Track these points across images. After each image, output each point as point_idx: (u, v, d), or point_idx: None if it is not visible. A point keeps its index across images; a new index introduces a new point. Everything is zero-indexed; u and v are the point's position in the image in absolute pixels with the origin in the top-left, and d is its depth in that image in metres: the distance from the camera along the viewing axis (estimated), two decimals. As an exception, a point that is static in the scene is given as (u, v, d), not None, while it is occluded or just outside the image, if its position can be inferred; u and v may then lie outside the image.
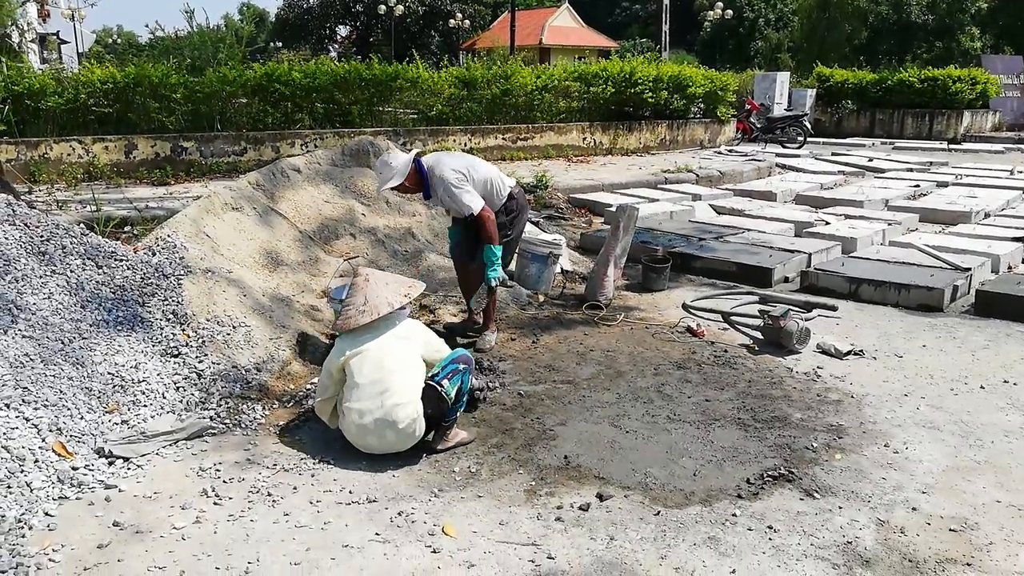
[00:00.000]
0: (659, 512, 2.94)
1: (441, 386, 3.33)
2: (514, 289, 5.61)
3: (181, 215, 4.86)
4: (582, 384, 4.18)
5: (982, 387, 4.16)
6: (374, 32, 40.10)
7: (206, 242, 4.66)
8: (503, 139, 13.22)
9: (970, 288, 5.86)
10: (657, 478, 3.20)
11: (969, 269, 6.06)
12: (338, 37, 43.75)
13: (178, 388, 3.67)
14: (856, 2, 34.67)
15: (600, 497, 3.04)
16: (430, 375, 3.39)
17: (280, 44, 41.63)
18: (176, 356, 3.82)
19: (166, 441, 3.36)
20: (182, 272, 4.23)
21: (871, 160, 14.46)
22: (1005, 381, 4.23)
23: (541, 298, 5.66)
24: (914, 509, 2.97)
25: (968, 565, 2.63)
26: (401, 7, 34.98)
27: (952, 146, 18.33)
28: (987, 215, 8.91)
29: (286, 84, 11.24)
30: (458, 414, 3.46)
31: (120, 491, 3.01)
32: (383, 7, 34.52)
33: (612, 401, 3.96)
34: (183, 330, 3.95)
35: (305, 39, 41.93)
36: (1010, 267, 6.62)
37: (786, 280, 6.35)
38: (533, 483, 3.16)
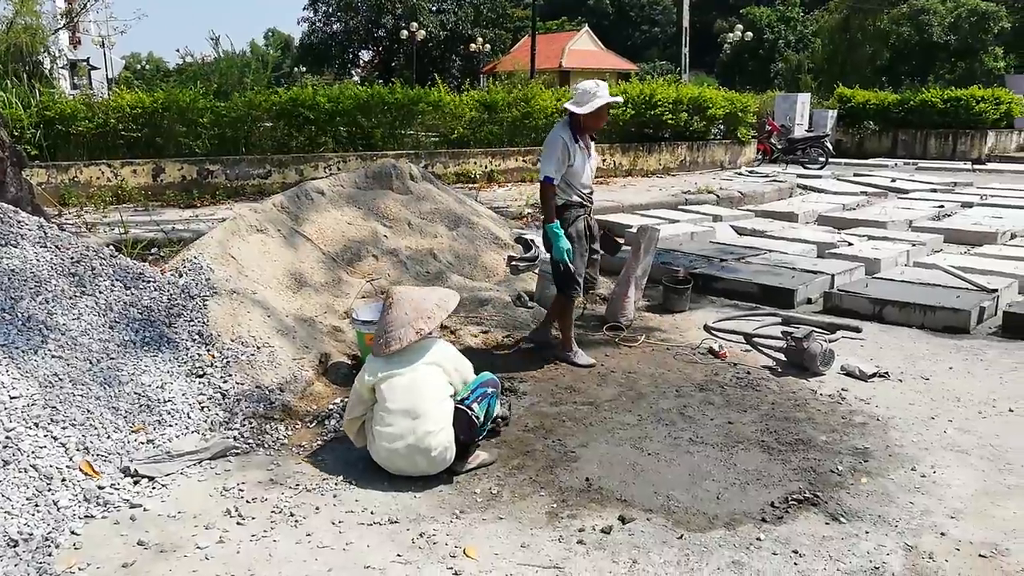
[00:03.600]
0: (682, 536, 2.91)
1: (471, 410, 3.33)
2: (534, 309, 5.62)
3: (207, 237, 4.94)
4: (603, 405, 4.17)
5: (1011, 410, 4.09)
6: (396, 57, 40.65)
7: (231, 263, 4.72)
8: (523, 161, 13.30)
9: (997, 309, 5.78)
10: (680, 501, 3.17)
11: (996, 290, 5.98)
12: (361, 62, 44.39)
13: (203, 408, 3.71)
14: (878, 23, 34.61)
15: (622, 520, 3.02)
16: (459, 399, 3.39)
17: (304, 69, 42.33)
18: (201, 376, 3.87)
19: (190, 461, 3.40)
20: (208, 293, 4.30)
21: (894, 181, 14.34)
22: (1035, 404, 4.15)
23: (562, 319, 5.65)
24: (943, 534, 2.92)
25: (1000, 593, 2.57)
26: (423, 32, 35.46)
27: (976, 166, 18.15)
28: (1013, 236, 8.79)
29: (310, 108, 11.43)
30: (482, 437, 3.47)
31: (145, 510, 3.04)
32: (405, 32, 35.02)
33: (634, 423, 3.94)
34: (208, 350, 4.00)
35: (328, 64, 42.60)
36: (1038, 288, 6.51)
37: (809, 301, 6.30)
38: (555, 505, 3.14)
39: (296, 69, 43.03)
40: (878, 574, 2.67)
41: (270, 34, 73.93)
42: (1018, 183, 14.45)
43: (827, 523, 3.00)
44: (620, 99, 4.66)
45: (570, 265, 4.63)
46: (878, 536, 2.91)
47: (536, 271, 5.91)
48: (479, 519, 3.03)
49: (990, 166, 18.23)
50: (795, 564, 2.73)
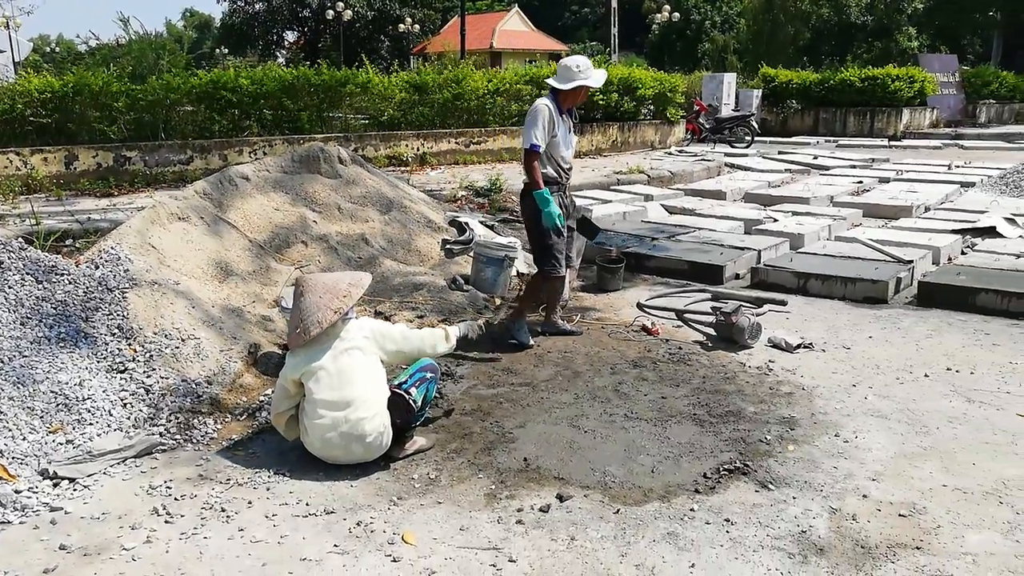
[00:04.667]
0: (618, 510, 2.96)
1: (409, 394, 3.30)
2: (470, 293, 5.60)
3: (125, 226, 4.73)
4: (540, 386, 4.19)
5: (926, 375, 4.29)
6: (323, 37, 39.69)
7: (152, 253, 4.54)
8: (456, 143, 13.20)
9: (913, 280, 6.05)
10: (616, 476, 3.22)
11: (911, 261, 6.25)
12: (286, 43, 43.15)
13: (125, 404, 3.57)
14: (799, 4, 35.53)
15: (560, 498, 3.04)
16: (397, 382, 3.35)
17: (227, 50, 40.90)
18: (123, 372, 3.71)
19: (114, 460, 3.27)
20: (127, 285, 4.12)
21: (816, 158, 14.82)
22: (948, 369, 4.37)
23: (498, 301, 5.66)
24: (865, 496, 3.05)
25: (918, 548, 2.70)
26: (349, 12, 34.68)
27: (892, 143, 18.91)
28: (927, 209, 9.20)
29: (233, 91, 11.06)
30: (419, 422, 3.44)
31: (66, 513, 2.91)
32: (331, 12, 34.19)
33: (570, 401, 3.98)
34: (129, 345, 3.84)
35: (252, 45, 41.27)
36: (950, 258, 6.84)
37: (737, 277, 6.46)
38: (493, 487, 3.15)
39: (218, 51, 41.54)
40: (805, 537, 2.77)
41: (187, 14, 71.10)
42: (931, 158, 15.13)
43: (757, 491, 3.09)
44: (597, 84, 4.62)
45: (554, 235, 4.62)
46: (805, 501, 3.01)
47: (470, 254, 5.88)
48: (417, 504, 3.01)
49: (905, 142, 19.02)
50: (727, 532, 2.81)
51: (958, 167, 13.11)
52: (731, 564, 2.63)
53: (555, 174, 4.67)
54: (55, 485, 3.07)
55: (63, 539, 2.75)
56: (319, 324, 3.29)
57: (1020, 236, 7.50)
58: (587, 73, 4.57)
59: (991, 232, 7.59)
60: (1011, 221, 7.92)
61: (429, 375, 3.42)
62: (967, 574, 2.56)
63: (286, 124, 11.82)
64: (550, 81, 4.64)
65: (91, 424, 3.40)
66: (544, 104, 4.57)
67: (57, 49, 46.65)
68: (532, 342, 4.80)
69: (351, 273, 3.70)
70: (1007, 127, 22.68)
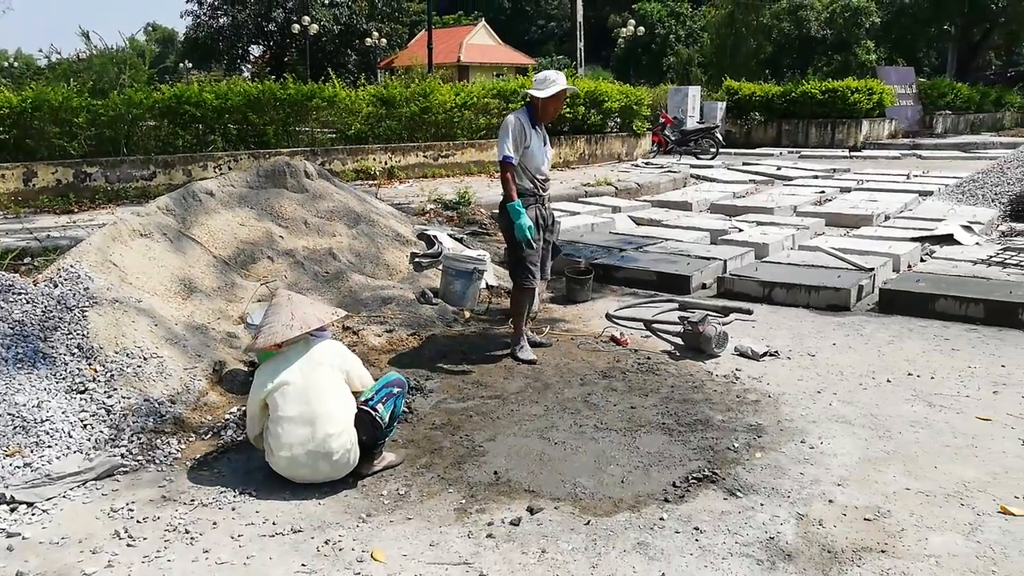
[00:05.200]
0: (589, 521, 2.96)
1: (376, 411, 3.26)
2: (439, 306, 5.58)
3: (85, 244, 4.64)
4: (510, 398, 4.18)
5: (888, 381, 4.37)
6: (289, 52, 39.43)
7: (113, 271, 4.46)
8: (424, 157, 13.19)
9: (874, 287, 6.16)
10: (586, 487, 3.22)
11: (872, 269, 6.37)
12: (251, 57, 42.80)
13: (85, 426, 3.49)
14: (760, 18, 36.21)
15: (531, 511, 3.04)
16: (363, 399, 3.33)
17: (190, 65, 40.47)
18: (83, 392, 3.63)
19: (74, 482, 3.19)
20: (87, 304, 4.04)
21: (779, 169, 15.09)
22: (909, 374, 4.45)
23: (467, 315, 5.65)
24: (831, 501, 3.08)
25: (882, 552, 2.74)
26: (316, 26, 34.55)
27: (853, 153, 19.33)
28: (887, 217, 9.40)
29: (197, 105, 10.94)
30: (387, 438, 3.41)
31: (24, 539, 2.83)
32: (297, 26, 34.03)
33: (540, 414, 3.98)
34: (89, 364, 3.76)
35: (217, 60, 40.87)
36: (910, 266, 6.99)
37: (704, 287, 6.53)
38: (463, 501, 3.13)
39: (181, 65, 41.09)
40: (773, 544, 2.80)
41: (150, 28, 70.27)
42: (891, 168, 15.49)
43: (725, 498, 3.12)
44: (574, 87, 4.78)
45: (525, 247, 4.65)
46: (772, 507, 3.04)
47: (439, 267, 5.86)
48: (387, 521, 2.98)
49: (865, 153, 19.45)
50: (696, 540, 2.83)
51: (916, 176, 13.42)
52: (701, 572, 2.64)
53: (531, 186, 4.71)
54: (12, 510, 2.98)
55: (20, 565, 2.67)
56: (305, 323, 3.29)
57: (976, 243, 7.70)
58: (562, 80, 4.70)
59: (949, 239, 7.78)
60: (968, 228, 8.12)
61: (396, 390, 3.39)
62: (931, 576, 2.60)
63: (252, 139, 11.72)
64: (531, 91, 4.73)
65: (50, 446, 3.31)
66: (514, 117, 4.64)
67: (16, 64, 45.76)
68: (535, 356, 4.78)
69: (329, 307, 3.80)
70: (963, 137, 23.33)
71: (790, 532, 2.87)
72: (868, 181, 12.91)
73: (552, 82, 4.66)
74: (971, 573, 2.62)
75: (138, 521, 2.96)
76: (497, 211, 4.94)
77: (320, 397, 3.20)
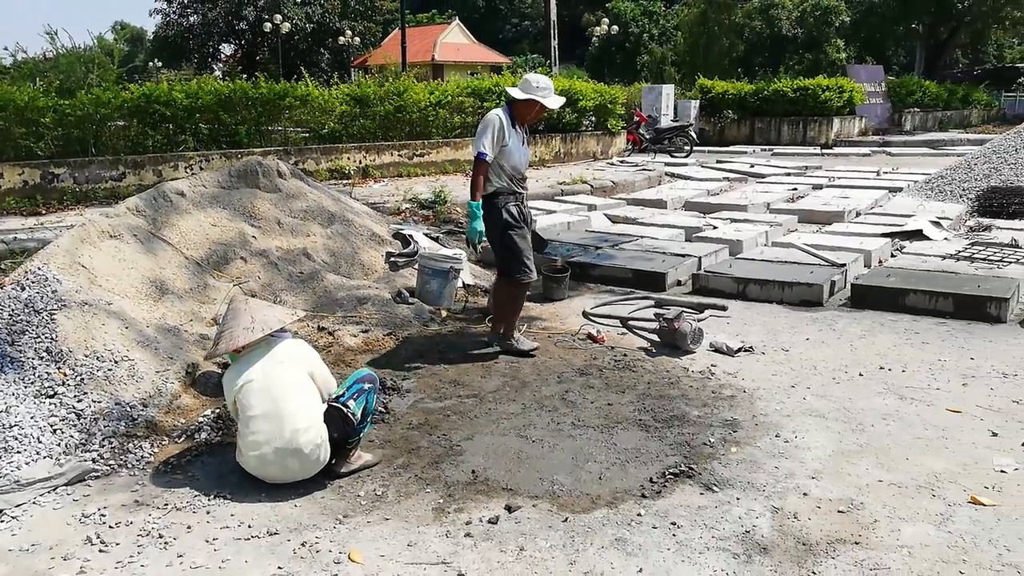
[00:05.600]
0: (567, 518, 2.96)
1: (347, 407, 3.24)
2: (416, 306, 5.56)
3: (53, 246, 4.55)
4: (488, 397, 4.18)
5: (861, 374, 4.43)
6: (261, 50, 39.03)
7: (82, 273, 4.38)
8: (399, 155, 13.13)
9: (846, 283, 6.25)
10: (564, 485, 3.22)
11: (844, 265, 6.46)
12: (222, 56, 42.30)
13: (55, 431, 3.42)
14: (733, 17, 36.54)
15: (509, 509, 3.03)
16: (334, 396, 3.31)
17: (160, 64, 39.90)
18: (52, 396, 3.56)
19: (43, 488, 3.13)
20: (56, 306, 3.96)
21: (752, 166, 15.24)
22: (881, 368, 4.52)
23: (444, 313, 5.63)
24: (805, 494, 3.12)
25: (856, 543, 2.78)
26: (288, 24, 34.24)
27: (824, 151, 19.58)
28: (858, 214, 9.54)
29: (167, 105, 10.80)
30: (362, 436, 3.39)
31: (-9, 547, 2.77)
32: (269, 25, 33.69)
33: (518, 412, 3.98)
34: (59, 368, 3.69)
35: (187, 58, 40.35)
36: (880, 261, 7.09)
37: (679, 283, 6.58)
38: (441, 501, 3.12)
39: (151, 64, 40.49)
40: (749, 537, 2.82)
41: (119, 27, 69.15)
42: (861, 165, 15.71)
43: (702, 493, 3.14)
44: (551, 105, 4.68)
45: (477, 247, 4.76)
46: (748, 501, 3.07)
47: (415, 267, 5.84)
48: (364, 522, 2.96)
49: (836, 150, 19.71)
50: (674, 535, 2.84)
51: (886, 173, 13.63)
52: (678, 567, 2.66)
53: (508, 184, 4.70)
54: (-21, 518, 2.92)
55: (-12, 575, 2.62)
56: (266, 325, 3.28)
57: (945, 238, 7.83)
58: (545, 92, 4.64)
59: (918, 235, 7.91)
60: (937, 224, 8.27)
61: (367, 386, 3.37)
62: (903, 566, 2.64)
63: (223, 138, 11.58)
64: (510, 90, 4.73)
65: (19, 452, 3.24)
66: (495, 114, 4.62)
67: (-21, 63, 44.78)
68: (536, 344, 4.89)
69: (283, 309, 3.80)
70: (931, 134, 23.72)
71: (766, 525, 2.90)
72: (839, 178, 13.09)
73: (535, 89, 4.61)
74: (943, 563, 2.66)
75: (110, 526, 2.92)
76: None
77: (284, 394, 3.19)
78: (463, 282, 6.07)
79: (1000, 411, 3.89)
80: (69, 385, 3.63)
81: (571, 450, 3.54)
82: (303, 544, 2.80)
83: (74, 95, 10.40)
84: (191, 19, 39.12)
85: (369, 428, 3.47)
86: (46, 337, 3.78)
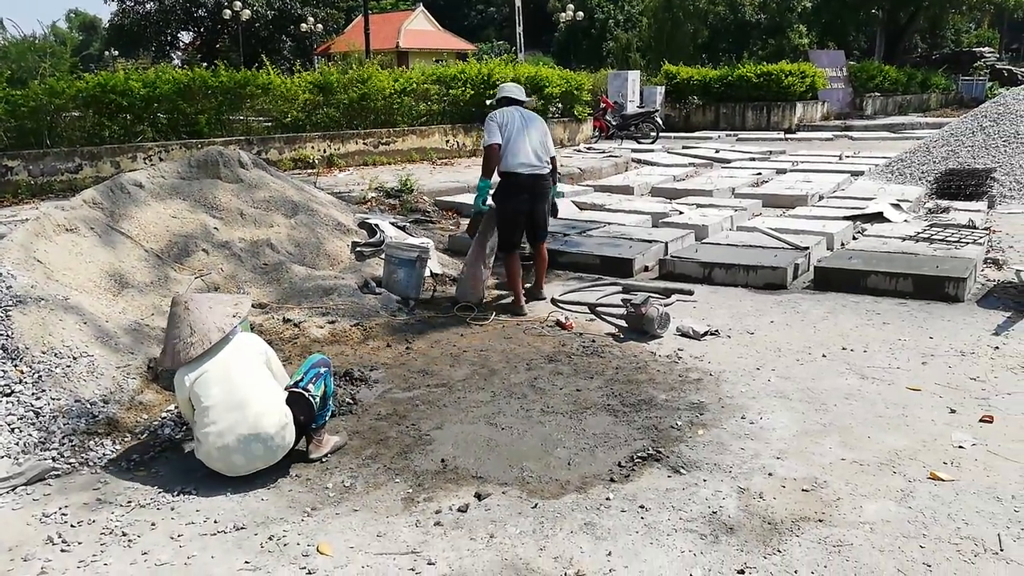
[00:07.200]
0: (536, 504, 2.97)
1: (307, 391, 3.27)
2: (383, 295, 5.52)
3: (6, 240, 4.43)
4: (457, 386, 4.17)
5: (824, 356, 4.50)
6: (220, 38, 38.23)
7: (37, 268, 4.27)
8: (364, 144, 13.00)
9: (809, 265, 6.34)
10: (533, 471, 3.23)
11: (807, 248, 6.55)
12: (181, 44, 41.38)
13: (13, 429, 3.33)
14: (696, 3, 36.69)
15: (478, 497, 3.04)
16: (292, 382, 3.33)
17: (116, 53, 38.90)
18: (8, 395, 3.47)
19: (2, 489, 3.05)
20: (10, 303, 3.86)
21: (718, 151, 15.36)
22: (843, 348, 4.60)
23: (412, 303, 5.60)
24: (770, 474, 3.17)
25: (820, 521, 2.83)
26: (248, 11, 33.57)
27: (788, 135, 19.80)
28: (821, 197, 9.67)
29: (123, 94, 10.54)
30: (327, 418, 3.39)
31: (-53, 550, 2.70)
32: (228, 12, 33.01)
33: (487, 400, 3.97)
34: (15, 366, 3.59)
35: (144, 47, 39.38)
36: (843, 244, 7.20)
37: (646, 269, 6.62)
38: (410, 490, 3.11)
39: (107, 53, 39.48)
40: (716, 518, 2.86)
41: (72, 16, 67.34)
42: (824, 149, 15.92)
43: (669, 476, 3.17)
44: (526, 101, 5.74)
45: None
46: (715, 483, 3.11)
47: (382, 256, 5.79)
48: (332, 514, 2.94)
49: (800, 135, 19.94)
50: (642, 518, 2.87)
51: (848, 157, 13.84)
52: (646, 549, 2.68)
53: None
54: (-66, 521, 2.84)
55: (-56, 579, 2.55)
56: (206, 339, 3.21)
57: (905, 220, 7.98)
58: (516, 94, 5.80)
59: (879, 217, 8.05)
60: (896, 207, 8.42)
61: (323, 369, 3.39)
62: (865, 542, 2.70)
63: (183, 128, 11.35)
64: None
65: (-26, 453, 3.16)
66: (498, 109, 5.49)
67: (-74, 53, 43.25)
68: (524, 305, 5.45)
69: (233, 295, 3.76)
70: (892, 118, 24.11)
71: (732, 506, 2.94)
72: (802, 162, 13.25)
73: (502, 92, 5.69)
74: (903, 538, 2.72)
75: (72, 525, 2.86)
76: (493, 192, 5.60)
77: (244, 380, 3.17)
78: (431, 271, 6.04)
79: (958, 388, 3.99)
80: (26, 383, 3.54)
81: (540, 436, 3.55)
82: (270, 538, 2.78)
83: (26, 85, 10.11)
84: (147, 6, 38.14)
85: (332, 409, 3.47)
86: (1, 334, 3.68)
